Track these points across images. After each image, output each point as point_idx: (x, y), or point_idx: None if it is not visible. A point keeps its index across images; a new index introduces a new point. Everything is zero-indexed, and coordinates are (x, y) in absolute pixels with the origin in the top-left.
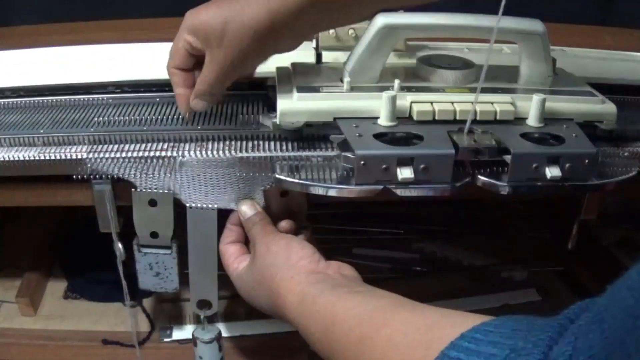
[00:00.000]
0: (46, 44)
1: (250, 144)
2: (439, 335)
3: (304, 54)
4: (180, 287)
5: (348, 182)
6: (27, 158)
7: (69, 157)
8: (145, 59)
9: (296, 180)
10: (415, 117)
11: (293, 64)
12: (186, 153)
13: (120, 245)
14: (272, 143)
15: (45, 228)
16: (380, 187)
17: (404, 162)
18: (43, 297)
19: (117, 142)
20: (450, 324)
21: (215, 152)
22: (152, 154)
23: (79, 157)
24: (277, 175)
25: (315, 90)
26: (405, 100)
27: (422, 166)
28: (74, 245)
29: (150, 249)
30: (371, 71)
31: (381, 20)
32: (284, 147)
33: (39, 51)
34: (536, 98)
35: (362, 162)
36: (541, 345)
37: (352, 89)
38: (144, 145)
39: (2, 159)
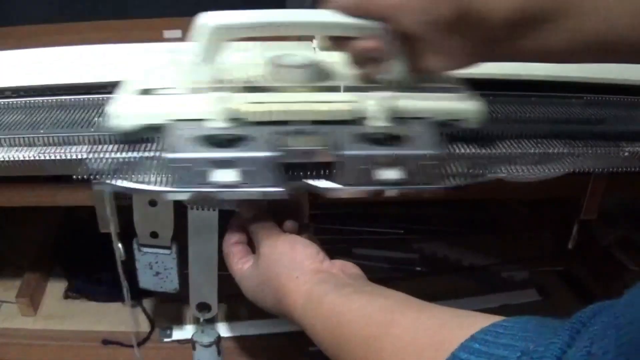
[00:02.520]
0: (46, 44)
1: None
2: (449, 336)
3: None
4: (180, 287)
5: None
6: (27, 158)
7: (69, 157)
8: (145, 59)
9: (117, 184)
10: (249, 118)
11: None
12: None
13: (120, 245)
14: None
15: (45, 228)
16: (202, 189)
17: (223, 164)
18: (43, 297)
19: (117, 142)
20: (459, 324)
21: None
22: (152, 154)
23: (79, 157)
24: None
25: (150, 92)
26: (240, 101)
27: (245, 169)
28: (74, 245)
29: (150, 248)
30: (206, 72)
31: (202, 20)
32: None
33: (39, 51)
34: (379, 96)
35: (176, 165)
36: (554, 348)
37: (192, 90)
38: (144, 145)
39: (2, 159)
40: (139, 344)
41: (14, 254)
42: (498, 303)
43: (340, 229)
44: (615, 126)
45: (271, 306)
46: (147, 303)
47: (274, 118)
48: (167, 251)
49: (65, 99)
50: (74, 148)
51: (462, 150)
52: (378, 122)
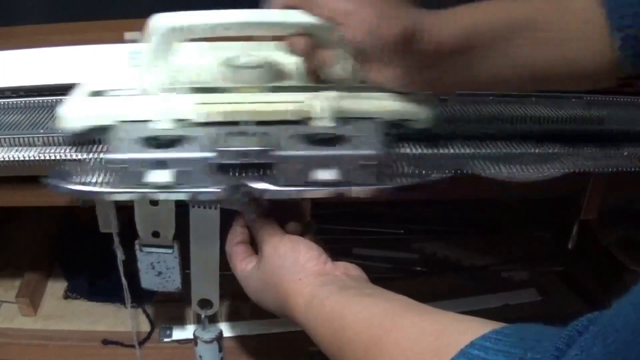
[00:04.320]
0: (46, 44)
1: None
2: (449, 341)
3: None
4: (182, 286)
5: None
6: (27, 158)
7: (69, 157)
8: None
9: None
10: (194, 119)
11: None
12: None
13: (120, 245)
14: None
15: (45, 228)
16: (140, 190)
17: (158, 165)
18: (43, 297)
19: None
20: (460, 330)
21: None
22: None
23: (78, 157)
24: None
25: (100, 93)
26: (187, 101)
27: (180, 170)
28: (74, 245)
29: (151, 248)
30: (160, 73)
31: (155, 22)
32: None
33: (39, 51)
34: (325, 96)
35: (113, 166)
36: (549, 356)
37: (143, 91)
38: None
39: (2, 159)
40: (139, 344)
41: (14, 254)
42: (498, 303)
43: (340, 229)
44: (615, 126)
45: (274, 307)
46: (147, 303)
47: (218, 119)
48: (169, 250)
49: (65, 99)
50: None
51: (412, 151)
52: (324, 122)
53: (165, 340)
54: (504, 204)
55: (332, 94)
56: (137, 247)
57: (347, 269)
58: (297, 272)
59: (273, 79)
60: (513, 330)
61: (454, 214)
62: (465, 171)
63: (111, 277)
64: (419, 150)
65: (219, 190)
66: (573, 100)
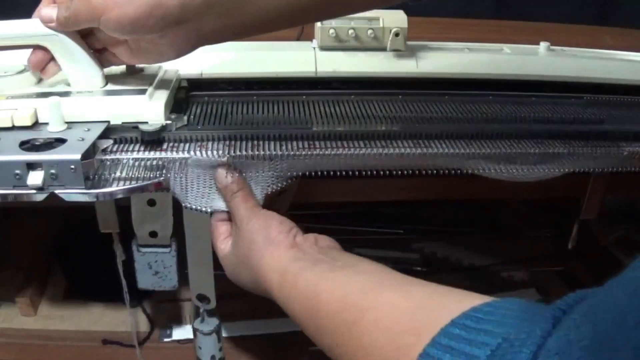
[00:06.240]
0: None
1: (250, 144)
2: (428, 319)
3: None
4: (180, 287)
5: None
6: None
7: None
8: None
9: None
10: None
11: None
12: (186, 153)
13: (120, 245)
14: (272, 143)
15: (45, 228)
16: None
17: None
18: (43, 297)
19: (117, 143)
20: (437, 306)
21: (215, 152)
22: (151, 154)
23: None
24: None
25: None
26: None
27: None
28: (74, 245)
29: (149, 248)
30: None
31: None
32: None
33: None
34: (48, 102)
35: None
36: (535, 336)
37: None
38: (143, 145)
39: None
40: (139, 344)
41: (14, 254)
42: None
43: (340, 229)
44: (615, 126)
45: (250, 284)
46: (147, 303)
47: None
48: (166, 249)
49: None
50: None
51: (132, 155)
52: (54, 127)
53: (165, 340)
54: (504, 204)
55: (54, 99)
56: (134, 247)
57: (318, 240)
58: (269, 245)
59: (28, 85)
60: (494, 308)
61: (454, 214)
62: (465, 171)
63: (111, 278)
64: (140, 155)
65: None
66: (573, 100)
